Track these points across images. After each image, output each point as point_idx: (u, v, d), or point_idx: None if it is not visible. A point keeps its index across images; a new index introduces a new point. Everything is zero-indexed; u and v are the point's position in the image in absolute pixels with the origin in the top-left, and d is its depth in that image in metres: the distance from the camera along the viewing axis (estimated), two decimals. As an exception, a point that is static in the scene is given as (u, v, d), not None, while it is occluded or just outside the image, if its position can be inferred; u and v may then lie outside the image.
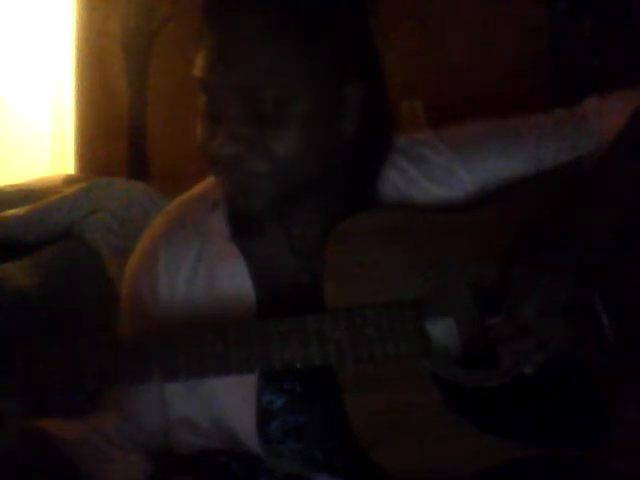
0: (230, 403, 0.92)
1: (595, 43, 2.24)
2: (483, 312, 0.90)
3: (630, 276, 0.91)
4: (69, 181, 2.10)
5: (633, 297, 0.91)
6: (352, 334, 0.85)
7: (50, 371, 0.81)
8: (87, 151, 2.62)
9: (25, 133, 2.52)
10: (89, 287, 1.72)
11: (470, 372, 0.87)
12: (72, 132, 2.61)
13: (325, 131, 0.87)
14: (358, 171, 0.95)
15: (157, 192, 2.01)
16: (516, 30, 2.34)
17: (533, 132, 0.98)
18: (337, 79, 0.87)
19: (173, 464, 0.94)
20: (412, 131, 1.03)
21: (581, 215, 0.88)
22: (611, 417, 0.87)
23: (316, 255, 0.91)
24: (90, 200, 1.89)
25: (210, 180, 1.00)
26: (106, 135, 2.60)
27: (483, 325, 0.89)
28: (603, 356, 0.89)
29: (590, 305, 0.89)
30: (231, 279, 0.95)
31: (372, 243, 0.90)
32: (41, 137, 2.57)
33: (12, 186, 2.03)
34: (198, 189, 1.02)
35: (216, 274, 0.96)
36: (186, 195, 1.03)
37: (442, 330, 0.91)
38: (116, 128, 2.59)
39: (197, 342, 0.84)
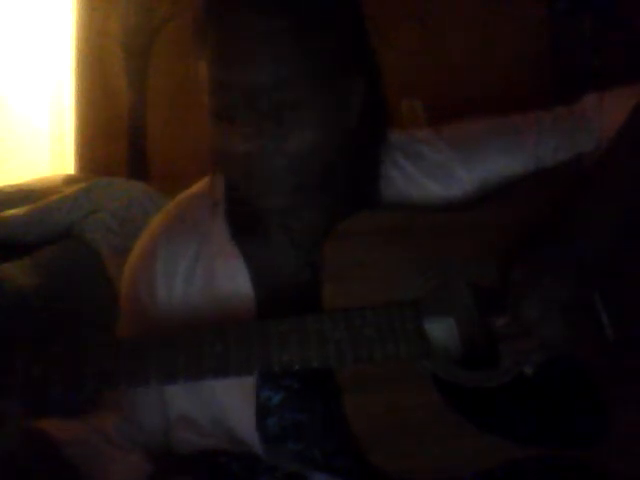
0: (230, 402, 0.92)
1: (595, 43, 2.24)
2: (483, 312, 0.90)
3: (630, 276, 0.91)
4: (69, 181, 2.10)
5: (633, 297, 0.91)
6: (352, 334, 0.85)
7: (50, 371, 0.81)
8: (87, 151, 2.62)
9: (25, 133, 2.52)
10: (89, 287, 1.73)
11: (470, 372, 0.87)
12: (72, 132, 2.62)
13: (333, 124, 0.87)
14: (358, 169, 0.95)
15: (157, 192, 2.01)
16: (516, 30, 2.35)
17: (532, 129, 0.98)
18: (341, 74, 0.87)
19: (173, 464, 0.94)
20: (412, 130, 1.03)
21: (581, 214, 0.88)
22: (611, 417, 0.87)
23: (316, 255, 0.91)
24: (90, 200, 1.90)
25: (209, 179, 1.00)
26: (106, 135, 2.61)
27: (483, 325, 0.89)
28: (603, 356, 0.89)
29: (590, 305, 0.89)
30: (230, 279, 0.95)
31: (372, 243, 0.90)
32: (41, 137, 2.57)
33: (12, 186, 2.04)
34: (197, 188, 1.02)
35: (215, 274, 0.96)
36: (185, 194, 1.03)
37: (442, 330, 0.91)
38: (116, 128, 2.59)
39: (197, 342, 0.84)
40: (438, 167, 0.98)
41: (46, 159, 2.58)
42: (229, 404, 0.92)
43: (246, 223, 0.97)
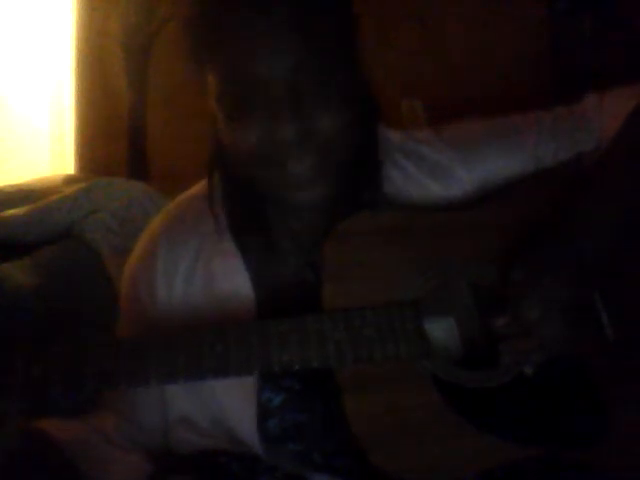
0: (230, 402, 0.92)
1: (595, 43, 2.24)
2: (483, 312, 0.90)
3: (630, 276, 0.91)
4: (69, 181, 2.10)
5: (633, 297, 0.91)
6: (352, 334, 0.85)
7: (50, 371, 0.81)
8: (87, 151, 2.62)
9: (25, 133, 2.52)
10: (89, 287, 1.73)
11: (470, 372, 0.87)
12: (72, 132, 2.62)
13: (349, 112, 0.86)
14: (358, 168, 0.95)
15: (157, 192, 2.01)
16: (516, 30, 2.35)
17: (532, 129, 0.98)
18: (342, 58, 0.87)
19: (173, 464, 0.94)
20: (412, 130, 1.03)
21: (581, 214, 0.88)
22: (611, 417, 0.87)
23: (316, 255, 0.91)
24: (90, 200, 1.90)
25: (209, 180, 1.00)
26: (106, 135, 2.61)
27: (483, 325, 0.89)
28: (603, 356, 0.89)
29: (590, 305, 0.89)
30: (230, 279, 0.95)
31: (372, 243, 0.90)
32: (41, 137, 2.58)
33: (12, 186, 2.04)
34: (198, 189, 1.02)
35: (215, 274, 0.96)
36: (186, 195, 1.03)
37: (442, 330, 0.91)
38: (116, 128, 2.59)
39: (196, 342, 0.84)
40: (438, 167, 0.98)
41: (46, 159, 2.58)
42: (229, 405, 0.92)
43: (246, 223, 0.97)
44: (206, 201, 0.98)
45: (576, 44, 2.28)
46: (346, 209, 0.93)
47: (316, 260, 0.91)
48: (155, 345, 0.83)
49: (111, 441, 0.96)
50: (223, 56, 0.84)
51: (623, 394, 0.88)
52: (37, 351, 0.82)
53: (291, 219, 0.96)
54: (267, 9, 0.81)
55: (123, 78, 2.57)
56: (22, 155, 2.49)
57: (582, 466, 0.85)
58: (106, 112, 2.59)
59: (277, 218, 0.97)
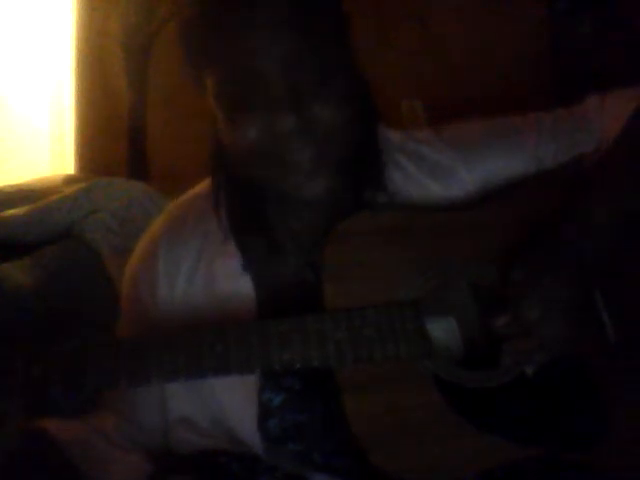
0: (230, 402, 0.92)
1: (595, 43, 2.24)
2: (483, 312, 0.90)
3: (631, 276, 0.91)
4: (69, 181, 2.10)
5: (634, 297, 0.91)
6: (352, 334, 0.85)
7: (50, 371, 0.81)
8: (87, 151, 2.62)
9: (25, 133, 2.52)
10: (89, 287, 1.73)
11: (471, 372, 0.87)
12: (72, 132, 2.61)
13: (346, 104, 0.87)
14: (361, 168, 0.95)
15: (157, 192, 2.01)
16: (516, 30, 2.35)
17: (533, 130, 0.99)
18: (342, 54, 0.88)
19: (173, 464, 0.94)
20: (412, 130, 1.03)
21: (581, 214, 0.88)
22: (611, 418, 0.87)
23: (316, 255, 0.91)
24: (90, 200, 1.90)
25: (210, 180, 1.00)
26: (106, 135, 2.61)
27: (483, 325, 0.89)
28: (604, 356, 0.89)
29: (591, 305, 0.89)
30: (231, 279, 0.95)
31: (372, 243, 0.90)
32: (41, 137, 2.57)
33: (12, 186, 2.04)
34: (199, 189, 1.02)
35: (216, 274, 0.96)
36: (187, 195, 1.04)
37: (443, 330, 0.91)
38: (116, 128, 2.59)
39: (197, 342, 0.84)
40: (439, 167, 0.98)
41: (46, 159, 2.58)
42: (230, 405, 0.92)
43: (247, 223, 0.97)
44: (208, 201, 0.98)
45: (576, 44, 2.28)
46: (346, 209, 0.93)
47: (316, 260, 0.91)
48: (155, 345, 0.83)
49: (111, 441, 0.96)
50: (220, 56, 0.84)
51: (623, 394, 0.88)
52: (37, 351, 0.82)
53: (291, 219, 0.97)
54: (261, 8, 0.82)
55: (123, 78, 2.57)
56: (22, 155, 2.49)
57: (582, 466, 0.85)
58: (106, 112, 2.59)
59: (277, 218, 0.97)
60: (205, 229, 0.98)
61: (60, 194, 1.91)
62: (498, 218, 0.93)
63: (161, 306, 0.97)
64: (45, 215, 1.84)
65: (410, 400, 0.85)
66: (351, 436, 0.84)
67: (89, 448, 0.92)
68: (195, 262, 0.97)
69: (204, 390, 0.92)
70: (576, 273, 0.86)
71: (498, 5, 2.37)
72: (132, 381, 0.83)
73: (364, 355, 0.85)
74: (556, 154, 0.97)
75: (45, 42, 2.55)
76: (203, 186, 1.02)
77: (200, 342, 0.84)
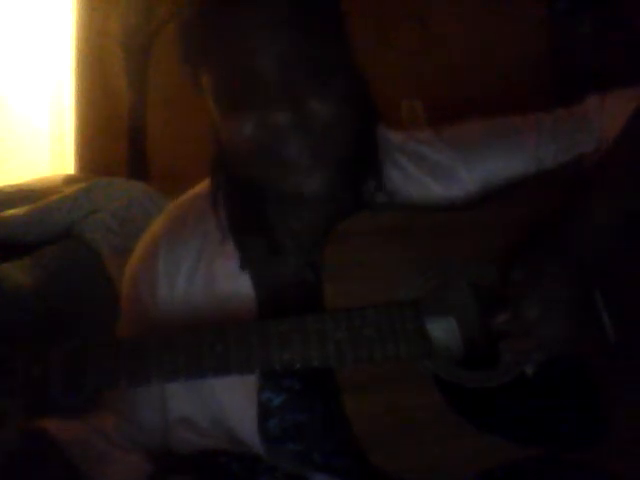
0: (231, 403, 0.92)
1: (595, 43, 2.24)
2: (483, 312, 0.90)
3: (631, 276, 0.91)
4: (69, 181, 2.10)
5: (634, 297, 0.91)
6: (352, 334, 0.85)
7: (50, 371, 0.81)
8: (87, 151, 2.62)
9: (25, 133, 2.52)
10: (89, 287, 1.72)
11: (471, 372, 0.87)
12: (72, 132, 2.61)
13: (341, 99, 0.87)
14: (360, 167, 0.95)
15: (157, 192, 2.01)
16: (516, 30, 2.34)
17: (533, 131, 0.99)
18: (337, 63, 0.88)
19: (173, 464, 0.94)
20: (412, 130, 1.03)
21: (581, 214, 0.88)
22: (611, 418, 0.87)
23: (316, 255, 0.91)
24: (90, 200, 1.90)
25: (210, 180, 1.00)
26: (106, 135, 2.60)
27: (483, 325, 0.89)
28: (604, 356, 0.89)
29: (591, 305, 0.89)
30: (231, 279, 0.95)
31: (372, 243, 0.90)
32: (41, 137, 2.57)
33: (12, 186, 2.03)
34: (199, 189, 1.02)
35: (216, 274, 0.96)
36: (187, 195, 1.04)
37: (443, 330, 0.91)
38: (116, 128, 2.59)
39: (197, 342, 0.84)
40: (439, 167, 0.98)
41: (46, 159, 2.58)
42: (230, 405, 0.92)
43: (247, 223, 0.97)
44: (208, 201, 0.98)
45: (576, 44, 2.28)
46: (346, 209, 0.93)
47: (316, 260, 0.91)
48: (155, 345, 0.83)
49: (111, 441, 0.96)
50: (216, 53, 0.85)
51: (623, 394, 0.88)
52: (37, 351, 0.82)
53: (291, 219, 0.97)
54: (257, 7, 0.83)
55: (123, 78, 2.57)
56: (22, 155, 2.49)
57: (582, 466, 0.85)
58: (106, 112, 2.58)
59: (277, 218, 0.97)
60: (205, 229, 0.98)
61: (60, 194, 1.91)
62: (498, 218, 0.93)
63: (161, 306, 0.97)
64: (45, 215, 1.84)
65: (410, 400, 0.85)
66: (351, 436, 0.84)
67: (89, 448, 0.92)
68: (195, 262, 0.97)
69: (204, 390, 0.92)
70: (576, 273, 0.86)
71: (498, 5, 2.37)
72: (132, 381, 0.83)
73: (364, 355, 0.85)
74: (556, 154, 0.97)
75: (45, 42, 2.55)
76: (203, 186, 1.02)
77: (200, 342, 0.84)
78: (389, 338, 0.86)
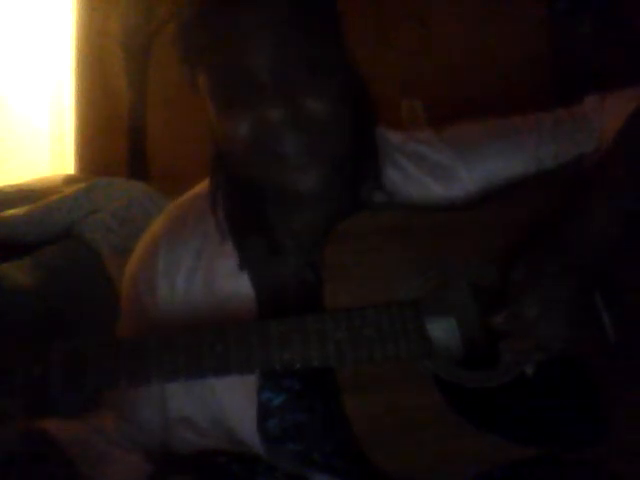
0: (230, 403, 0.92)
1: (595, 43, 2.24)
2: (483, 312, 0.90)
3: (631, 276, 0.91)
4: (69, 181, 2.11)
5: (634, 297, 0.91)
6: (352, 334, 0.85)
7: (50, 371, 0.81)
8: (87, 151, 2.62)
9: (25, 133, 2.52)
10: (89, 287, 1.73)
11: (471, 372, 0.87)
12: (72, 132, 2.62)
13: (335, 96, 0.88)
14: (358, 167, 0.95)
15: (157, 192, 2.01)
16: (516, 30, 2.35)
17: (533, 131, 0.99)
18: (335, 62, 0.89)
19: (173, 464, 0.94)
20: (412, 130, 1.03)
21: (581, 215, 0.88)
22: (611, 418, 0.87)
23: (316, 255, 0.91)
24: (90, 200, 1.90)
25: (210, 180, 1.00)
26: (106, 135, 2.61)
27: (483, 325, 0.89)
28: (604, 356, 0.89)
29: (591, 305, 0.89)
30: (231, 279, 0.95)
31: (372, 243, 0.90)
32: (41, 137, 2.57)
33: (12, 186, 2.04)
34: (198, 189, 1.02)
35: (216, 274, 0.96)
36: (187, 195, 1.04)
37: (443, 330, 0.91)
38: (116, 128, 2.59)
39: (197, 342, 0.84)
40: (439, 167, 0.98)
41: (46, 159, 2.58)
42: (230, 405, 0.92)
43: (247, 223, 0.97)
44: (207, 201, 0.98)
45: (576, 44, 2.28)
46: (346, 209, 0.93)
47: (316, 260, 0.91)
48: (155, 345, 0.83)
49: (111, 441, 0.96)
50: (211, 52, 0.86)
51: (623, 394, 0.88)
52: (37, 351, 0.82)
53: (291, 219, 0.97)
54: (251, 7, 0.84)
55: (123, 78, 2.57)
56: (22, 155, 2.49)
57: (582, 466, 0.85)
58: (106, 112, 2.59)
59: (277, 218, 0.97)
60: (205, 229, 0.98)
61: (60, 194, 1.91)
62: (498, 218, 0.93)
63: (161, 306, 0.97)
64: (45, 215, 1.84)
65: (410, 400, 0.85)
66: (351, 436, 0.84)
67: (89, 448, 0.92)
68: (195, 262, 0.97)
69: (204, 390, 0.92)
70: (576, 273, 0.86)
71: (498, 5, 2.37)
72: (132, 381, 0.83)
73: (364, 355, 0.85)
74: (556, 154, 0.97)
75: (45, 42, 2.55)
76: (203, 186, 1.02)
77: (200, 342, 0.84)
78: (389, 338, 0.85)
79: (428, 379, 0.86)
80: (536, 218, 0.90)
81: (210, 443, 0.93)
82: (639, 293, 0.91)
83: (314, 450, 0.92)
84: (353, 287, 0.88)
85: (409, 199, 0.96)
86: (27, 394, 0.81)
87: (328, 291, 0.88)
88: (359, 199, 0.96)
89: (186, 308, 0.96)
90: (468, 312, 0.92)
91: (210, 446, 0.93)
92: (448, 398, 0.85)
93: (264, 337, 0.84)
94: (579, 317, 0.86)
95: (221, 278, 0.95)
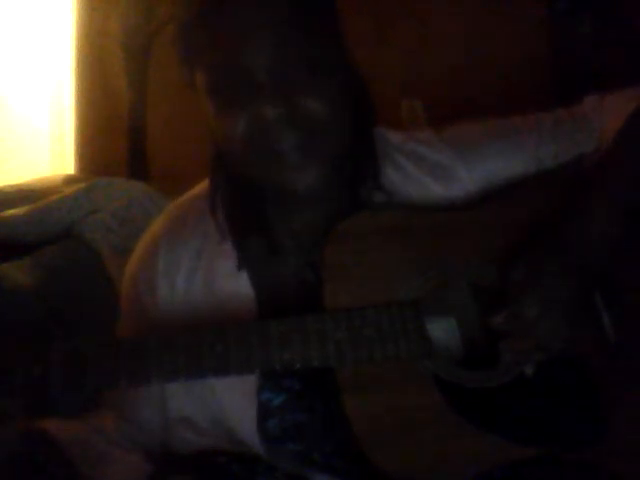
0: (230, 404, 0.92)
1: (595, 43, 2.24)
2: (483, 312, 0.90)
3: (631, 276, 0.91)
4: (69, 181, 2.10)
5: (634, 297, 0.91)
6: (352, 334, 0.85)
7: (50, 371, 0.81)
8: (87, 151, 2.62)
9: (25, 133, 2.52)
10: (89, 287, 1.73)
11: (471, 372, 0.87)
12: (72, 132, 2.61)
13: (331, 95, 0.88)
14: (357, 167, 0.95)
15: (157, 192, 2.01)
16: (516, 30, 2.35)
17: (533, 131, 0.99)
18: (334, 62, 0.89)
19: (173, 464, 0.94)
20: (412, 130, 1.03)
21: (581, 215, 0.88)
22: (611, 417, 0.87)
23: (316, 255, 0.91)
24: (90, 200, 1.90)
25: (209, 180, 1.00)
26: (106, 135, 2.60)
27: (483, 325, 0.89)
28: (604, 356, 0.89)
29: (591, 305, 0.89)
30: (231, 279, 0.95)
31: (372, 243, 0.90)
32: (41, 137, 2.57)
33: (12, 186, 2.04)
34: (198, 189, 1.02)
35: (216, 274, 0.96)
36: (187, 195, 1.04)
37: (443, 330, 0.91)
38: (116, 128, 2.59)
39: (197, 342, 0.84)
40: (439, 167, 0.98)
41: (46, 159, 2.58)
42: (230, 405, 0.92)
43: (247, 223, 0.97)
44: (207, 201, 0.98)
45: (576, 44, 2.28)
46: (346, 209, 0.93)
47: (316, 260, 0.91)
48: (155, 345, 0.83)
49: (111, 441, 0.96)
50: (209, 52, 0.86)
51: (623, 395, 0.88)
52: (37, 351, 0.82)
53: (291, 219, 0.97)
54: (248, 7, 0.84)
55: (123, 78, 2.57)
56: (22, 155, 2.49)
57: (582, 466, 0.85)
58: (106, 112, 2.59)
59: (277, 218, 0.97)
60: (205, 229, 0.98)
61: (60, 194, 1.91)
62: (498, 218, 0.93)
63: (161, 306, 0.97)
64: (45, 215, 1.84)
65: (410, 400, 0.85)
66: (351, 436, 0.84)
67: (89, 448, 0.92)
68: (195, 262, 0.97)
69: (204, 390, 0.92)
70: (576, 273, 0.86)
71: (498, 5, 2.37)
72: (132, 381, 0.83)
73: (364, 355, 0.85)
74: (556, 154, 0.97)
75: (45, 42, 2.55)
76: (203, 186, 1.02)
77: (200, 342, 0.84)
78: (389, 338, 0.86)
79: (428, 379, 0.86)
80: (536, 218, 0.90)
81: (210, 443, 0.93)
82: (639, 293, 0.91)
83: (314, 450, 0.92)
84: (353, 287, 0.88)
85: (409, 199, 0.96)
86: (27, 394, 0.81)
87: (328, 291, 0.88)
88: (359, 199, 0.96)
89: (186, 308, 0.96)
90: (468, 312, 0.92)
91: (210, 446, 0.93)
92: (448, 398, 0.85)
93: (264, 337, 0.84)
94: (579, 317, 0.86)
95: (221, 278, 0.95)
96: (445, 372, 0.86)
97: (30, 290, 1.60)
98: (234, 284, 0.95)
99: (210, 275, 0.96)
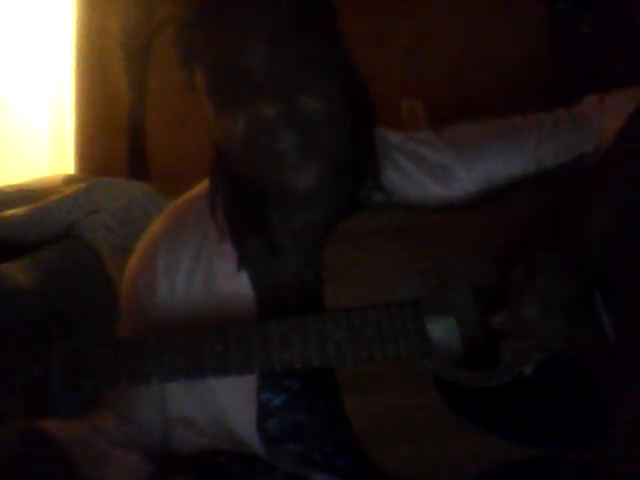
0: (230, 404, 0.92)
1: (595, 43, 2.24)
2: (483, 312, 0.90)
3: (631, 276, 0.91)
4: (69, 181, 2.11)
5: (634, 297, 0.91)
6: (352, 334, 0.85)
7: (50, 371, 0.81)
8: (87, 151, 2.63)
9: (25, 133, 2.52)
10: (89, 287, 1.73)
11: (471, 372, 0.87)
12: (72, 132, 2.62)
13: (329, 95, 0.88)
14: (357, 167, 0.96)
15: (157, 192, 2.01)
16: (516, 30, 2.35)
17: (533, 131, 0.99)
18: (334, 63, 0.89)
19: (173, 464, 0.94)
20: (412, 130, 1.03)
21: (581, 215, 0.88)
22: (611, 417, 0.87)
23: (316, 255, 0.91)
24: (90, 200, 1.90)
25: (209, 180, 1.00)
26: (106, 135, 2.61)
27: (483, 325, 0.89)
28: (604, 356, 0.89)
29: (591, 305, 0.89)
30: (231, 279, 0.95)
31: (372, 243, 0.90)
32: (41, 137, 2.58)
33: (12, 186, 2.04)
34: (198, 189, 1.02)
35: (216, 274, 0.96)
36: (186, 195, 1.04)
37: (443, 330, 0.91)
38: (116, 128, 2.59)
39: (197, 342, 0.84)
40: (439, 167, 0.98)
41: (46, 159, 2.58)
42: (229, 405, 0.92)
43: (246, 223, 0.97)
44: (207, 202, 0.98)
45: (576, 44, 2.28)
46: (346, 209, 0.93)
47: (316, 260, 0.91)
48: (155, 345, 0.83)
49: (111, 441, 0.95)
50: (208, 51, 0.86)
51: (623, 394, 0.88)
52: (37, 351, 0.82)
53: (291, 219, 0.97)
54: (247, 7, 0.84)
55: (123, 78, 2.57)
56: (22, 155, 2.49)
57: (582, 466, 0.85)
58: (106, 112, 2.59)
59: (277, 218, 0.97)
60: (205, 229, 0.98)
61: (60, 194, 1.91)
62: (498, 218, 0.93)
63: (161, 306, 0.97)
64: (45, 215, 1.84)
65: (410, 400, 0.85)
66: (351, 436, 0.84)
67: (89, 448, 0.92)
68: (195, 262, 0.97)
69: (204, 390, 0.92)
70: (576, 273, 0.86)
71: (498, 5, 2.37)
72: (132, 381, 0.83)
73: (364, 355, 0.85)
74: (556, 154, 0.97)
75: (45, 42, 2.55)
76: (202, 186, 1.02)
77: (200, 342, 0.84)
78: (389, 338, 0.85)
79: (428, 379, 0.86)
80: (536, 218, 0.90)
81: (210, 443, 0.93)
82: (639, 293, 0.91)
83: (314, 450, 0.92)
84: (353, 287, 0.88)
85: (408, 199, 0.96)
86: (27, 394, 0.81)
87: (328, 291, 0.88)
88: (359, 199, 0.96)
89: (186, 308, 0.96)
90: (468, 312, 0.92)
91: (210, 446, 0.93)
92: (448, 398, 0.85)
93: (264, 337, 0.84)
94: (579, 317, 0.86)
95: (221, 278, 0.95)
96: (445, 372, 0.86)
97: (30, 290, 1.60)
98: (234, 284, 0.95)
99: (210, 275, 0.96)
